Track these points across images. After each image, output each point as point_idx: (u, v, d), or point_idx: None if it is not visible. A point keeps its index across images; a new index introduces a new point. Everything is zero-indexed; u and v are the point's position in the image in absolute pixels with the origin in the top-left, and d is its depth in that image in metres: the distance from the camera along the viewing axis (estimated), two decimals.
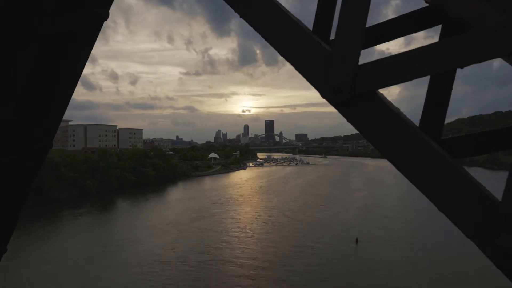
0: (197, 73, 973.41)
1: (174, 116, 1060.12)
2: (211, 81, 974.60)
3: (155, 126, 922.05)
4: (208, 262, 48.55)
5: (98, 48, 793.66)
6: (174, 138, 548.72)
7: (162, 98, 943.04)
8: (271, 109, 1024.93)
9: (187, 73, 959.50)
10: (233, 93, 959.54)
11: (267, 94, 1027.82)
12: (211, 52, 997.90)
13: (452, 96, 3.19)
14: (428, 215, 64.95)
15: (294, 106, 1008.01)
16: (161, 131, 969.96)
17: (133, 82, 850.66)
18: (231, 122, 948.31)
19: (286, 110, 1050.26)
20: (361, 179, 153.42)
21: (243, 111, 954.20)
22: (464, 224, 2.20)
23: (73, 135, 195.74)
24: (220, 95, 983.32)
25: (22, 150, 3.59)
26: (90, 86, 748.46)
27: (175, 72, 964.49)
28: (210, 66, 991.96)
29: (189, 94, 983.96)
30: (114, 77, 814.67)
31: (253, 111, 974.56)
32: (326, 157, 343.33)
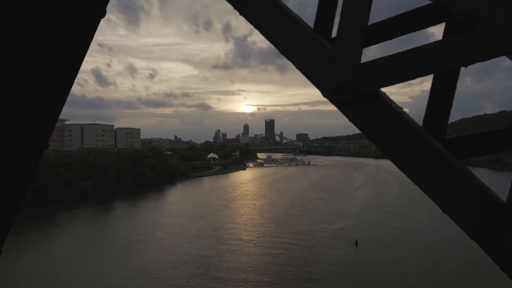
0: (226, 66, 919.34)
1: (184, 115, 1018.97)
2: (236, 75, 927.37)
3: (162, 126, 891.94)
4: (200, 271, 48.61)
5: (117, 39, 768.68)
6: (173, 138, 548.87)
7: (178, 95, 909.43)
8: (287, 107, 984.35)
9: (215, 66, 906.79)
10: (254, 90, 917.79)
11: (276, 92, 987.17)
12: (250, 39, 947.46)
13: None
14: (431, 215, 65.03)
15: (313, 104, 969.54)
16: (168, 130, 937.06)
17: (152, 76, 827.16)
18: (235, 121, 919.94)
19: (304, 108, 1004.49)
20: (362, 177, 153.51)
21: (258, 109, 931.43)
22: (468, 225, 2.20)
23: (70, 135, 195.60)
24: (239, 92, 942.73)
25: (21, 150, 3.62)
26: (103, 81, 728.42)
27: (202, 65, 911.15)
28: (241, 58, 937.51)
29: (208, 90, 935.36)
30: (131, 71, 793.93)
31: (268, 109, 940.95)
32: (305, 155, 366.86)
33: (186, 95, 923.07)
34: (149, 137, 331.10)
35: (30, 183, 3.97)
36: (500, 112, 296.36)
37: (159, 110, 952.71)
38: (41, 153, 3.94)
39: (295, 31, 2.67)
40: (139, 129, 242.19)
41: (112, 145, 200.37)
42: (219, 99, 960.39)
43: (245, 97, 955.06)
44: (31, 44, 3.28)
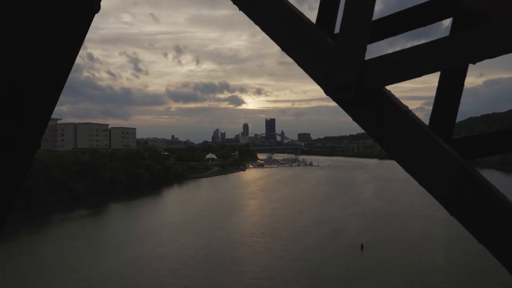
0: None
1: (210, 111, 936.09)
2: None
3: (176, 123, 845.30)
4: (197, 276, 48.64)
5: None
6: (169, 138, 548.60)
7: (217, 88, 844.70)
8: (313, 102, 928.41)
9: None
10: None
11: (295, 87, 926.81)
12: None
13: None
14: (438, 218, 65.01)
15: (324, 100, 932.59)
16: (166, 129, 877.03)
17: (197, 61, 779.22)
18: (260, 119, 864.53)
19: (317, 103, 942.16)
20: (364, 176, 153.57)
21: (292, 104, 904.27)
22: (476, 228, 2.20)
23: (62, 135, 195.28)
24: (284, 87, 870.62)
25: (14, 150, 3.63)
26: (138, 70, 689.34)
27: (266, 51, 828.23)
28: None
29: (251, 83, 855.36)
30: (176, 53, 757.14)
31: (296, 104, 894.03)
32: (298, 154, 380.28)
33: (226, 87, 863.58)
34: (145, 137, 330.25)
35: (20, 184, 3.99)
36: (510, 111, 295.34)
37: (191, 105, 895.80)
38: (33, 154, 3.95)
39: (296, 27, 2.66)
40: (135, 129, 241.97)
41: (106, 145, 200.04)
42: (259, 91, 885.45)
43: (291, 90, 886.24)
44: (27, 42, 3.30)
